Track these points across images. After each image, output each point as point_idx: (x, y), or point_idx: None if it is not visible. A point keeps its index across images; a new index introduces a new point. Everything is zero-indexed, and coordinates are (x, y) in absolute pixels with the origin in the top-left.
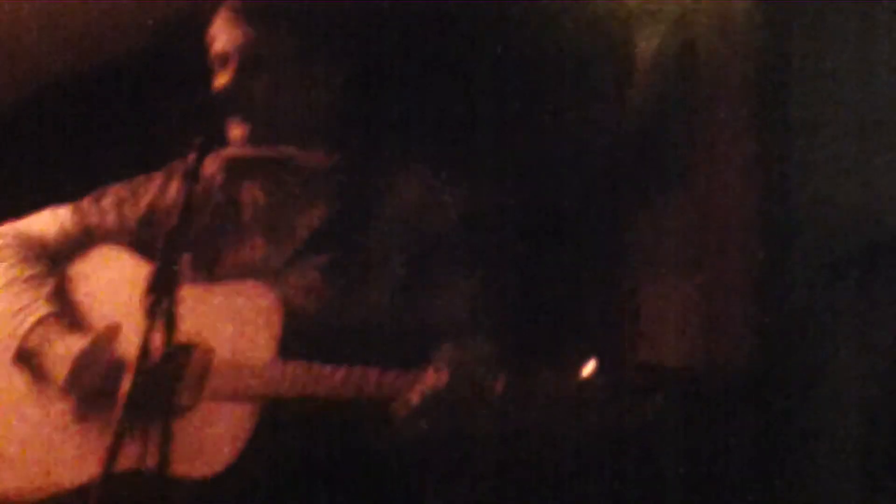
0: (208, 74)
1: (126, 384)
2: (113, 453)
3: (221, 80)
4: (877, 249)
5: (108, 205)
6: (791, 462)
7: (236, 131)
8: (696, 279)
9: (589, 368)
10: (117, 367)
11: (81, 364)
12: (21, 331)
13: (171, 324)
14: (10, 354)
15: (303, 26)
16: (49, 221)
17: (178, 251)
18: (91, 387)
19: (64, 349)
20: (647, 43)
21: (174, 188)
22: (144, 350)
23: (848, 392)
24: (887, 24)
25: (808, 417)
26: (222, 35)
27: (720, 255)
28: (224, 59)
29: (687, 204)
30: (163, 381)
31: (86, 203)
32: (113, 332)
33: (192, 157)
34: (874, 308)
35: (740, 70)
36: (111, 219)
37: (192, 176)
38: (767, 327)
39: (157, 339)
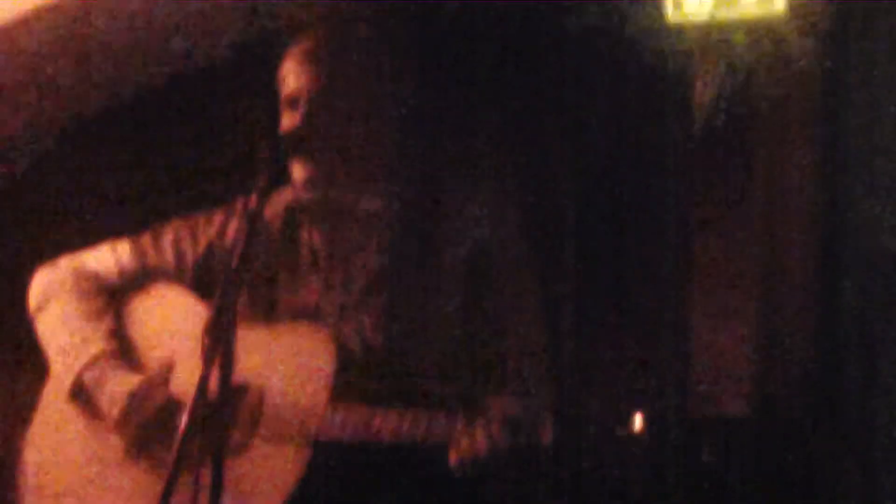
0: (274, 113)
1: (181, 424)
2: (168, 492)
3: (288, 120)
4: None
5: (166, 243)
6: None
7: (300, 172)
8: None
9: (638, 422)
10: (171, 406)
11: (135, 401)
12: (77, 366)
13: (227, 366)
14: (65, 390)
15: (371, 63)
16: (108, 257)
17: (237, 294)
18: (144, 425)
19: (118, 386)
20: (706, 78)
21: (233, 228)
22: (201, 391)
23: None
24: None
25: (866, 466)
26: (293, 76)
27: (775, 298)
28: (294, 100)
29: (742, 242)
30: (217, 422)
31: (145, 240)
32: (167, 370)
33: (254, 199)
34: None
35: (796, 102)
36: (169, 257)
37: (254, 220)
38: (823, 374)
39: (213, 380)
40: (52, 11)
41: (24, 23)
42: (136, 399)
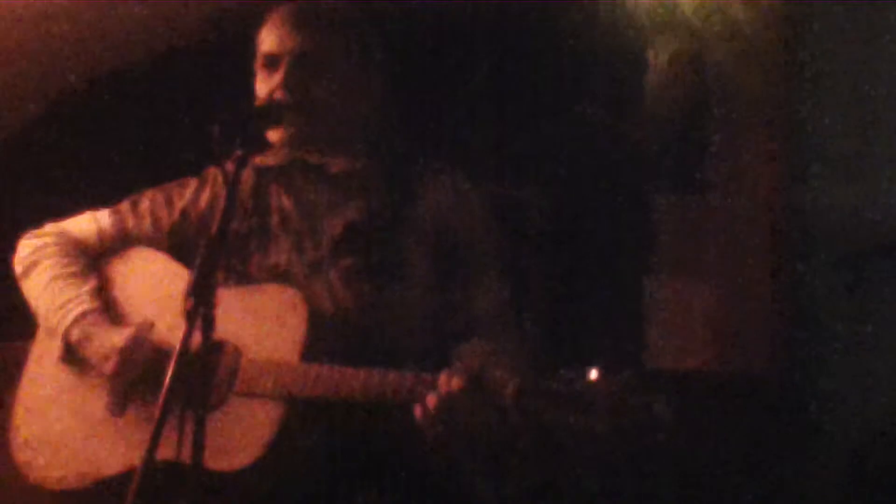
0: (249, 78)
1: (166, 379)
2: (154, 444)
3: (266, 84)
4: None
5: (144, 209)
6: (800, 468)
7: (277, 134)
8: (707, 282)
9: (594, 373)
10: (157, 357)
11: (126, 355)
12: (65, 324)
13: (207, 325)
14: (54, 347)
15: (353, 33)
16: (89, 223)
17: (217, 258)
18: (135, 377)
19: (109, 342)
20: (658, 52)
21: (207, 195)
22: (183, 350)
23: (860, 395)
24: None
25: (820, 422)
26: (274, 38)
27: (731, 258)
28: (273, 61)
29: (699, 207)
30: (198, 378)
31: (123, 207)
32: (149, 327)
33: (230, 168)
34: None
35: (747, 81)
36: (147, 223)
37: (231, 189)
38: (780, 330)
39: (195, 340)
40: None
41: None
42: (126, 353)
